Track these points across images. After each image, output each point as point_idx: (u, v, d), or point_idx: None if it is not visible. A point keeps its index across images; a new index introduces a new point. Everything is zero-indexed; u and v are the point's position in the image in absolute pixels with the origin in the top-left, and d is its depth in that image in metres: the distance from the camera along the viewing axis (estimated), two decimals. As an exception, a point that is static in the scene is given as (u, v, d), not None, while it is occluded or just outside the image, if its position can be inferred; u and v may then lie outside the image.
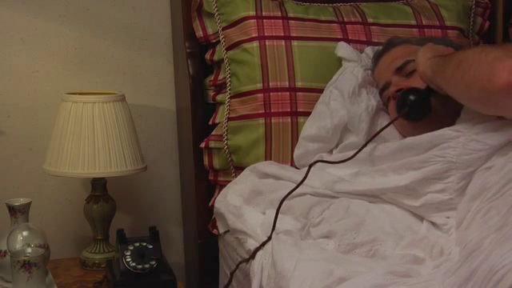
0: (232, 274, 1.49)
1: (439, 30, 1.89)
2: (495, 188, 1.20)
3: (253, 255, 1.43)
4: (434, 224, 1.37)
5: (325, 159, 1.59)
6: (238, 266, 1.47)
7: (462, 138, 1.33)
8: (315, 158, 1.62)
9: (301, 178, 1.49)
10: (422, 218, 1.40)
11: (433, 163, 1.36)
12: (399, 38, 1.75)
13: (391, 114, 1.60)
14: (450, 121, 1.40)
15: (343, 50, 1.77)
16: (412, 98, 1.49)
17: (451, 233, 1.30)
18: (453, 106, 1.42)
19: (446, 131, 1.36)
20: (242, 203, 1.63)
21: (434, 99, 1.47)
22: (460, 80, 1.28)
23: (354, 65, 1.72)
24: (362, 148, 1.49)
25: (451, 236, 1.29)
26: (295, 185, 1.49)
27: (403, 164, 1.41)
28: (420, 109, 1.48)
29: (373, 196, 1.46)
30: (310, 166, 1.51)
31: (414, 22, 1.89)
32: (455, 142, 1.33)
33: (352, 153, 1.51)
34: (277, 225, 1.43)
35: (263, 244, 1.42)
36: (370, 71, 1.73)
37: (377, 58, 1.71)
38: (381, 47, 1.73)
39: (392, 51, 1.67)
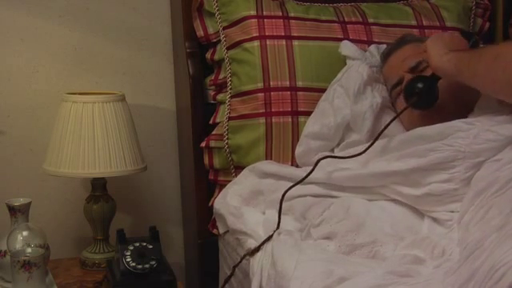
0: (235, 267, 1.48)
1: (439, 31, 1.88)
2: (499, 184, 1.19)
3: (258, 248, 1.41)
4: (435, 220, 1.36)
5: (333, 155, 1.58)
6: (241, 260, 1.46)
7: (475, 130, 1.32)
8: (318, 156, 1.60)
9: (302, 174, 1.49)
10: (422, 217, 1.39)
11: (439, 152, 1.34)
12: (412, 35, 1.75)
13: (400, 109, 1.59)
14: (457, 112, 1.39)
15: (347, 48, 1.77)
16: (420, 85, 1.48)
17: (453, 228, 1.29)
18: (460, 97, 1.41)
19: (457, 123, 1.35)
20: (241, 203, 1.63)
21: (441, 88, 1.47)
22: (501, 74, 1.25)
23: (358, 63, 1.71)
24: (374, 142, 1.47)
25: (453, 232, 1.28)
26: (296, 184, 1.48)
27: (408, 153, 1.40)
28: (428, 96, 1.48)
29: (373, 186, 1.45)
30: (318, 160, 1.49)
31: (414, 23, 1.89)
32: (466, 133, 1.33)
33: (358, 149, 1.50)
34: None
35: (267, 239, 1.40)
36: (375, 68, 1.72)
37: (387, 53, 1.70)
38: (393, 42, 1.72)
39: (404, 48, 1.66)
